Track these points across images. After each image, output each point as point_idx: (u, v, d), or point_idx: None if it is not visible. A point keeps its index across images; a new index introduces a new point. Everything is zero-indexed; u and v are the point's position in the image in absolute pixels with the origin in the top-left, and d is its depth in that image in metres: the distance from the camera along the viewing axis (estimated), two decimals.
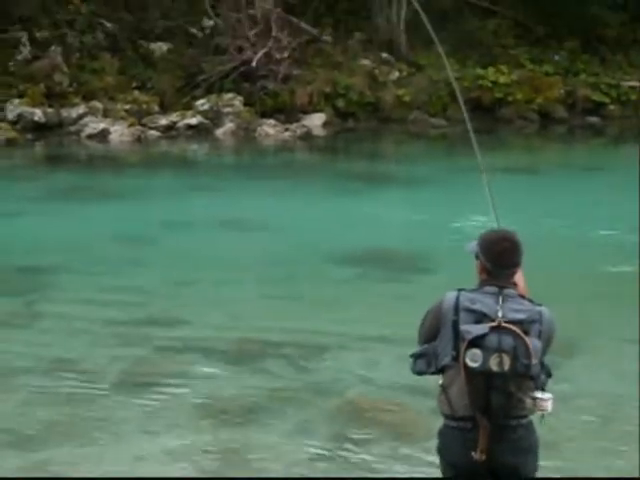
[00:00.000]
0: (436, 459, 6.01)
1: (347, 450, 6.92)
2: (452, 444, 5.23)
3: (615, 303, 10.72)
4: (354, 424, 7.36)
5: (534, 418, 5.19)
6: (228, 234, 14.55)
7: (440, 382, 5.19)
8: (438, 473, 5.72)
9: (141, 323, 9.92)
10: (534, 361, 4.99)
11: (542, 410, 5.16)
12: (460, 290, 5.18)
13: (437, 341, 5.17)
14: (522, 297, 5.16)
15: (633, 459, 6.82)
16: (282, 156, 23.58)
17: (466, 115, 6.62)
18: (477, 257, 5.24)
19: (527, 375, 5.00)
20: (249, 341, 9.31)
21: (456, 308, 5.11)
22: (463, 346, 5.01)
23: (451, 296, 5.16)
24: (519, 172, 19.97)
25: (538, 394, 5.13)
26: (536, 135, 26.57)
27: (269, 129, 25.01)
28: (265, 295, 11.00)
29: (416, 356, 5.26)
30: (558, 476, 5.07)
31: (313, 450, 6.89)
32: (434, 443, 5.87)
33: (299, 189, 18.41)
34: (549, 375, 5.23)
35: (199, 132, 24.69)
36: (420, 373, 5.27)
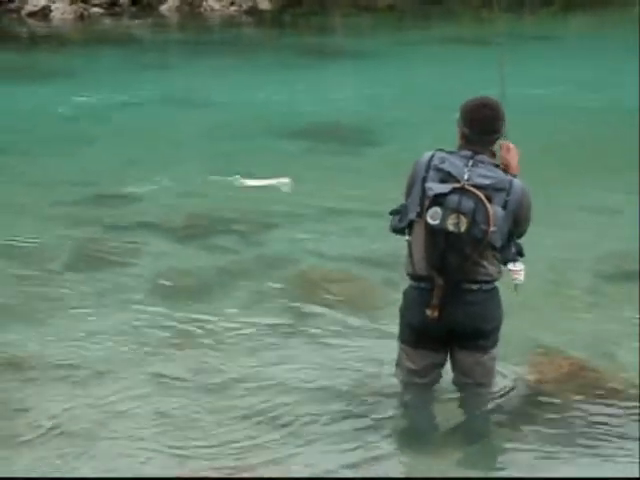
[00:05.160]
0: (386, 327, 6.08)
1: (300, 321, 6.96)
2: (412, 303, 5.31)
3: (570, 171, 10.79)
4: (306, 296, 7.39)
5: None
6: (175, 111, 14.39)
7: (406, 238, 5.24)
8: (388, 341, 5.80)
9: (90, 202, 9.84)
10: (492, 228, 5.00)
11: (515, 280, 5.26)
12: (438, 150, 5.20)
13: (410, 197, 5.20)
14: (496, 166, 5.15)
15: (578, 324, 6.95)
16: (228, 32, 23.21)
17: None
18: (458, 123, 5.23)
19: (484, 240, 5.02)
20: (199, 217, 9.28)
21: (428, 166, 5.14)
22: (426, 203, 5.05)
23: (427, 155, 5.20)
24: (470, 43, 19.82)
25: (510, 265, 5.21)
26: (484, 5, 26.28)
27: (214, 4, 24.57)
28: (214, 171, 10.91)
29: (393, 213, 5.32)
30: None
31: (266, 321, 6.92)
32: (384, 312, 5.93)
33: (247, 65, 18.19)
34: (520, 253, 5.26)
35: (143, 8, 24.21)
36: (395, 230, 5.32)
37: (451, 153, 5.19)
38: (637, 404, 5.75)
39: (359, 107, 14.51)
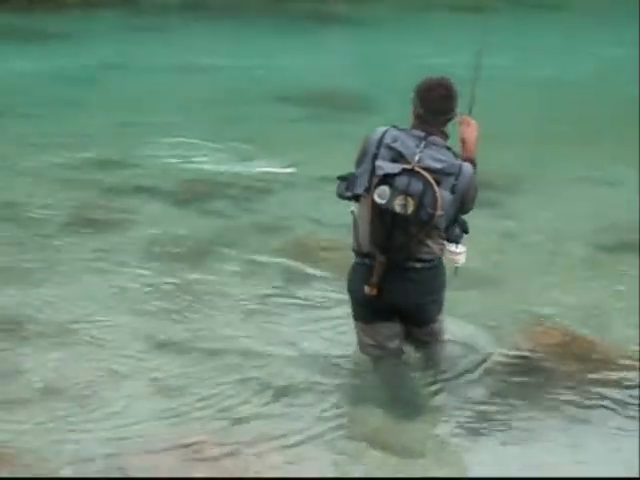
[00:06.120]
0: None
1: (294, 288, 6.98)
2: (356, 280, 5.38)
3: (564, 143, 10.78)
4: (301, 263, 7.39)
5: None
6: (173, 75, 14.29)
7: (352, 209, 5.30)
8: None
9: (87, 166, 9.80)
10: (439, 212, 5.06)
11: (455, 263, 5.33)
12: (392, 127, 5.22)
13: (359, 170, 5.23)
14: (448, 148, 5.19)
15: (574, 294, 6.99)
16: None
17: None
18: (413, 102, 5.27)
19: (430, 223, 5.08)
20: (196, 182, 9.27)
21: (379, 143, 5.17)
22: (375, 181, 5.09)
23: (380, 130, 5.23)
24: (465, 11, 19.70)
25: (452, 247, 5.25)
26: None
27: None
28: (211, 137, 10.86)
29: (341, 179, 5.35)
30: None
31: (261, 288, 6.94)
32: None
33: (245, 29, 18.08)
34: (465, 231, 5.31)
35: None
36: (340, 196, 5.37)
37: (404, 131, 5.21)
38: (631, 374, 5.78)
39: (358, 74, 14.42)
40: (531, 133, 11.03)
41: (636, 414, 5.42)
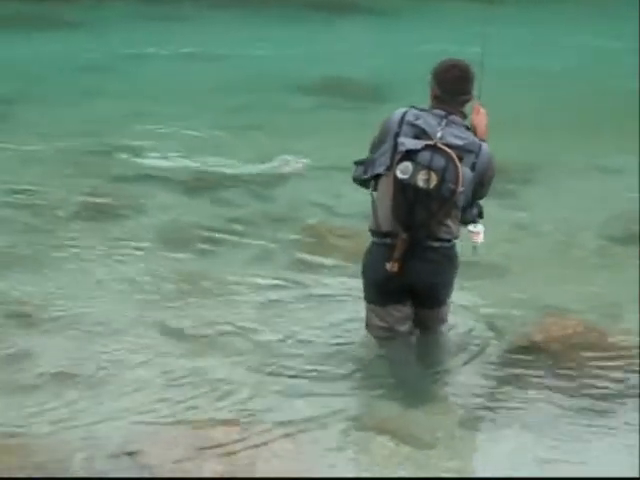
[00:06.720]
0: None
1: (306, 276, 6.98)
2: (374, 260, 5.42)
3: (566, 134, 10.76)
4: (313, 251, 7.42)
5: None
6: (184, 64, 14.31)
7: (371, 189, 5.37)
8: None
9: (98, 154, 9.81)
10: (460, 188, 5.13)
11: (474, 242, 5.43)
12: (411, 107, 5.29)
13: (380, 150, 5.30)
14: (467, 128, 5.29)
15: (586, 285, 6.97)
16: None
17: None
18: (430, 84, 5.37)
19: (451, 200, 5.15)
20: (207, 171, 9.27)
21: (401, 121, 5.25)
22: (397, 158, 5.15)
23: (400, 110, 5.32)
24: (478, 1, 19.61)
25: (470, 226, 5.38)
26: None
27: None
28: (223, 126, 10.88)
29: (358, 163, 5.45)
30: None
31: (272, 276, 6.94)
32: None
33: (256, 17, 18.05)
34: (480, 215, 5.43)
35: None
36: (356, 179, 5.48)
37: (424, 110, 5.30)
38: None
39: (370, 63, 14.39)
40: (532, 124, 11.02)
41: None
